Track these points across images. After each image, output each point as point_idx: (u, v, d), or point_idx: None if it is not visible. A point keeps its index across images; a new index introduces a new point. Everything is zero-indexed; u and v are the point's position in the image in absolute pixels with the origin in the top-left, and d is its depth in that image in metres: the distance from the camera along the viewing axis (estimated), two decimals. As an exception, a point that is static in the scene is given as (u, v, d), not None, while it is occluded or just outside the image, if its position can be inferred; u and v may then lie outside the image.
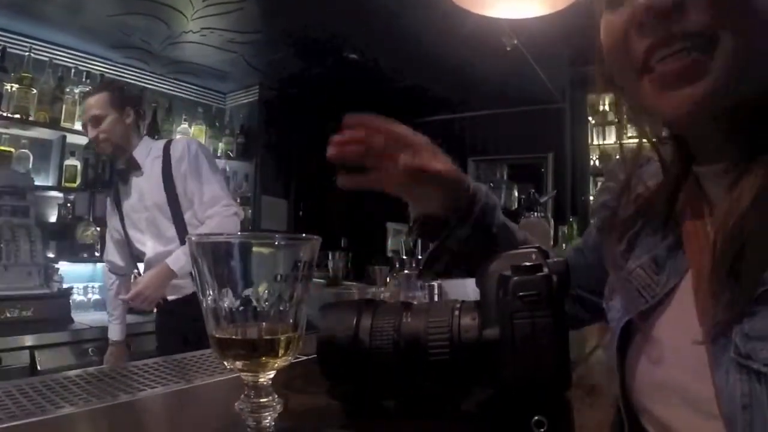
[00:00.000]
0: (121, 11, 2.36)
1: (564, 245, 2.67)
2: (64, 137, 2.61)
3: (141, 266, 1.95)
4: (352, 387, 0.46)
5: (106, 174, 2.05)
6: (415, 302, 0.48)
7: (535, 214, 3.04)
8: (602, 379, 0.74)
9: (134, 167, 1.82)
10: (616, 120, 3.17)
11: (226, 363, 0.37)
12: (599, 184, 3.24)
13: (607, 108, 3.35)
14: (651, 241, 0.47)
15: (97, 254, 2.66)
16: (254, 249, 0.37)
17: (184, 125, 3.19)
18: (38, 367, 1.98)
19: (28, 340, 2.00)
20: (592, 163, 3.33)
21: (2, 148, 2.42)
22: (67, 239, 2.59)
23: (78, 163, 2.64)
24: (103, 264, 2.77)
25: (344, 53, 2.90)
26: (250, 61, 3.03)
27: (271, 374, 0.37)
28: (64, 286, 2.41)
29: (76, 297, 2.58)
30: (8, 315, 2.04)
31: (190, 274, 1.61)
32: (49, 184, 2.63)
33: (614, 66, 0.42)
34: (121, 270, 1.98)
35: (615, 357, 0.46)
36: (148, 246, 1.82)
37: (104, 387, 0.61)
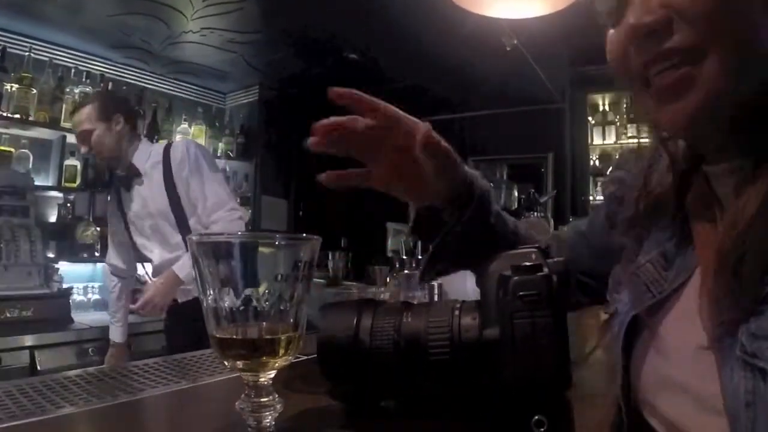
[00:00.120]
0: (121, 11, 2.36)
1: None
2: (64, 137, 2.61)
3: (143, 267, 1.96)
4: (352, 387, 0.46)
5: (107, 179, 2.00)
6: (415, 302, 0.48)
7: (535, 214, 3.05)
8: (602, 379, 0.74)
9: (135, 174, 1.80)
10: (625, 118, 3.18)
11: (226, 363, 0.37)
12: (599, 184, 3.24)
13: (607, 108, 3.36)
14: (660, 237, 0.47)
15: (97, 254, 2.67)
16: (254, 249, 0.37)
17: (184, 125, 3.19)
18: (38, 367, 1.98)
19: (28, 340, 2.00)
20: (591, 163, 3.33)
21: (2, 148, 2.42)
22: (67, 239, 2.59)
23: (78, 163, 2.64)
24: (103, 264, 2.78)
25: (344, 53, 2.90)
26: (250, 61, 3.03)
27: (272, 374, 0.37)
28: (64, 286, 2.42)
29: (76, 297, 2.58)
30: (8, 315, 2.05)
31: None
32: (49, 184, 2.63)
33: (620, 78, 0.43)
34: (124, 273, 1.97)
35: (620, 350, 0.46)
36: (155, 253, 1.82)
37: (104, 387, 0.61)
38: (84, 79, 2.68)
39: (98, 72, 2.82)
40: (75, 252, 2.60)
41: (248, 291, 0.36)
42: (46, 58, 2.59)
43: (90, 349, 2.15)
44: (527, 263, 0.39)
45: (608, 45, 0.43)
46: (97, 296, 2.74)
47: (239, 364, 0.36)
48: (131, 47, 2.76)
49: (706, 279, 0.40)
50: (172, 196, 1.75)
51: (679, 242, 0.45)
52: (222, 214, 1.73)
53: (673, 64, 0.37)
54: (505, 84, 3.33)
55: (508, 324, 0.38)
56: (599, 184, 3.24)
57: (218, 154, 3.32)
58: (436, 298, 1.29)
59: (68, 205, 2.66)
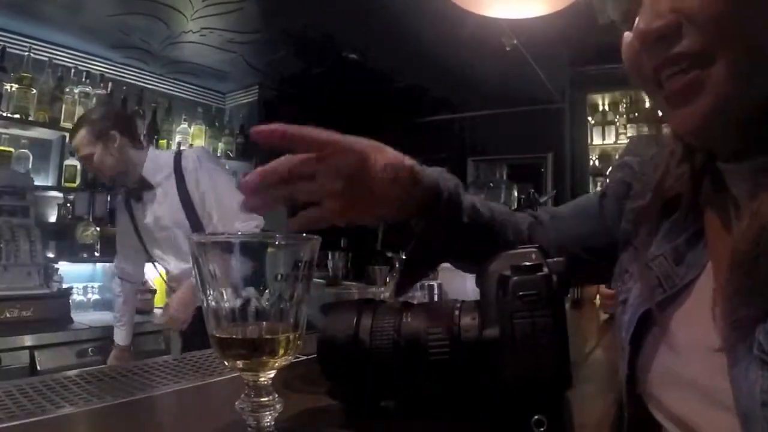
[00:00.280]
0: (121, 11, 2.36)
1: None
2: (64, 137, 2.60)
3: (147, 269, 1.94)
4: (352, 387, 0.46)
5: (115, 189, 1.95)
6: (415, 302, 0.48)
7: (535, 214, 3.03)
8: (602, 379, 0.74)
9: (146, 187, 1.76)
10: (625, 118, 3.16)
11: (226, 362, 0.37)
12: (599, 184, 3.24)
13: (606, 108, 3.36)
14: (672, 231, 0.47)
15: (96, 254, 2.67)
16: (254, 249, 0.37)
17: (184, 125, 3.19)
18: (38, 367, 1.98)
19: (28, 340, 2.00)
20: (591, 163, 3.33)
21: (2, 148, 2.42)
22: (66, 239, 2.59)
23: (78, 163, 2.64)
24: (103, 264, 2.78)
25: (344, 53, 2.90)
26: (250, 61, 3.03)
27: (272, 374, 0.37)
28: (64, 286, 2.42)
29: (76, 297, 2.58)
30: (8, 315, 2.04)
31: None
32: (49, 184, 2.63)
33: (634, 80, 0.44)
34: (132, 277, 1.96)
35: (627, 343, 0.46)
36: (172, 264, 1.81)
37: (104, 387, 0.61)
38: (84, 79, 2.68)
39: (98, 72, 2.82)
40: (75, 252, 2.60)
41: (248, 291, 0.36)
42: (46, 58, 2.59)
43: (90, 349, 2.15)
44: (527, 263, 0.39)
45: (623, 46, 0.43)
46: (96, 296, 2.74)
47: (239, 364, 0.36)
48: (131, 47, 2.76)
49: (718, 276, 0.40)
50: (188, 207, 1.72)
51: (691, 238, 0.45)
52: (239, 225, 1.69)
53: (683, 68, 0.38)
54: (505, 84, 3.33)
55: (508, 324, 0.38)
56: (599, 183, 3.24)
57: (218, 154, 3.32)
58: (436, 298, 1.29)
59: (68, 205, 2.66)
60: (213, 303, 0.36)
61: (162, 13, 2.40)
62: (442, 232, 0.52)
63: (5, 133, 2.46)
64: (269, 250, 0.37)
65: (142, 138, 1.97)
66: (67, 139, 1.87)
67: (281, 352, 0.36)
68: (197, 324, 1.75)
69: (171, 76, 3.20)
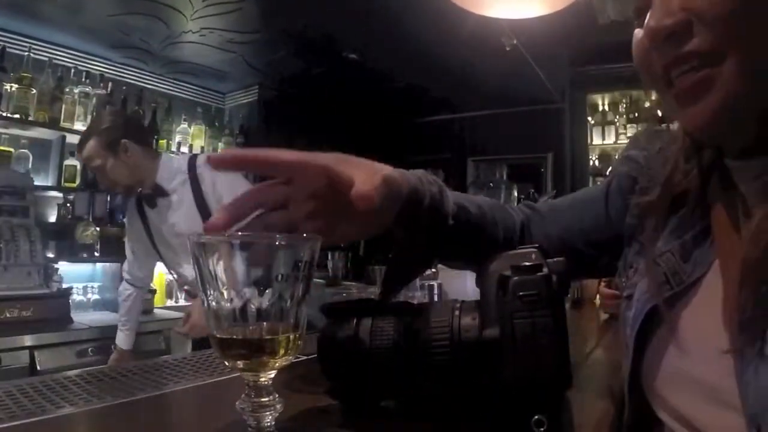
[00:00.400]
0: (121, 11, 2.36)
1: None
2: (64, 137, 2.61)
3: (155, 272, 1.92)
4: (352, 387, 0.46)
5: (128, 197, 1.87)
6: (415, 302, 0.48)
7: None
8: (602, 379, 0.74)
9: (161, 195, 1.72)
10: (625, 118, 3.14)
11: (227, 363, 0.37)
12: (599, 184, 3.24)
13: (606, 108, 3.36)
14: (680, 227, 0.47)
15: (96, 254, 2.67)
16: (255, 249, 0.37)
17: (184, 125, 3.19)
18: (38, 367, 1.98)
19: (28, 340, 2.00)
20: (591, 163, 3.33)
21: (2, 148, 2.42)
22: (66, 239, 2.59)
23: (77, 163, 2.64)
24: (103, 264, 2.78)
25: (344, 53, 2.90)
26: (250, 61, 3.03)
27: (272, 374, 0.37)
28: (64, 286, 2.42)
29: (76, 297, 2.58)
30: (8, 315, 2.05)
31: None
32: (49, 184, 2.64)
33: (644, 77, 0.43)
34: (141, 282, 1.95)
35: (633, 338, 0.46)
36: (188, 269, 1.78)
37: (104, 387, 0.61)
38: (84, 79, 2.68)
39: (98, 72, 2.82)
40: (75, 252, 2.60)
41: (248, 291, 0.36)
42: (46, 58, 2.60)
43: (90, 349, 2.15)
44: (527, 263, 0.39)
45: (633, 44, 0.43)
46: (96, 296, 2.74)
47: (240, 364, 0.36)
48: (131, 47, 2.76)
49: (726, 276, 0.40)
50: (204, 213, 1.68)
51: (698, 235, 0.45)
52: None
53: (693, 66, 0.37)
54: (505, 84, 3.34)
55: (508, 324, 0.38)
56: (599, 183, 3.24)
57: (218, 154, 3.32)
58: (436, 298, 1.29)
59: (68, 205, 2.66)
60: (213, 303, 0.36)
61: (162, 13, 2.40)
62: (424, 240, 0.50)
63: (5, 133, 2.46)
64: (269, 250, 0.37)
65: (154, 147, 1.92)
66: (77, 151, 1.79)
67: (281, 352, 0.36)
68: None
69: (171, 76, 3.20)
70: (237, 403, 0.37)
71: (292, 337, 0.37)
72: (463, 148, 4.12)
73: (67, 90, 2.61)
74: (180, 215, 1.69)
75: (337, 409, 0.48)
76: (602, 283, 1.41)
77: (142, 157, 1.71)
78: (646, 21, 0.40)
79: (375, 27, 2.56)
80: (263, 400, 0.36)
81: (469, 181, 4.03)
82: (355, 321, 0.45)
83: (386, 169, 0.46)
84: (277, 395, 0.37)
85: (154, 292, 2.74)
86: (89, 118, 2.67)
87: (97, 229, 2.66)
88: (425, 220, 0.48)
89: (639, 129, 3.08)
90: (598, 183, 0.65)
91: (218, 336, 0.36)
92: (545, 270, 0.39)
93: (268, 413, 0.36)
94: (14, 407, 0.53)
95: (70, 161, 2.63)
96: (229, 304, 0.36)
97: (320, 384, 0.47)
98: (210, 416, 0.56)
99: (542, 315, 0.37)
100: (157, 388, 0.61)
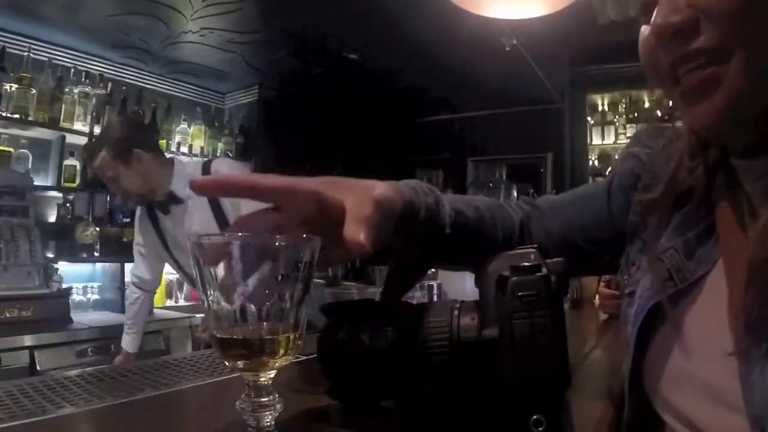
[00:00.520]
0: (121, 11, 2.36)
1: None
2: (64, 137, 2.61)
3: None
4: (352, 387, 0.46)
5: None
6: (415, 302, 0.49)
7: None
8: (602, 379, 0.74)
9: (175, 202, 1.69)
10: (624, 118, 3.13)
11: (227, 363, 0.37)
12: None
13: (606, 108, 3.36)
14: (683, 224, 0.46)
15: (96, 254, 2.67)
16: (254, 249, 0.37)
17: (183, 125, 3.19)
18: (38, 367, 1.98)
19: (28, 341, 2.00)
20: (591, 163, 3.33)
21: (1, 148, 2.43)
22: (66, 239, 2.59)
23: (77, 163, 2.65)
24: (103, 264, 2.78)
25: (344, 53, 2.90)
26: (250, 61, 3.03)
27: (272, 374, 0.37)
28: (64, 286, 2.42)
29: (76, 297, 2.59)
30: (8, 315, 2.05)
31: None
32: (49, 184, 2.64)
33: (650, 75, 0.43)
34: (149, 285, 1.93)
35: (634, 336, 0.45)
36: None
37: (104, 387, 0.62)
38: (83, 79, 2.68)
39: (97, 72, 2.82)
40: (74, 252, 2.60)
41: (248, 291, 0.36)
42: (46, 58, 2.60)
43: (90, 349, 2.15)
44: (526, 263, 0.39)
45: (640, 41, 0.43)
46: (96, 296, 2.74)
47: (240, 364, 0.36)
48: (130, 47, 2.76)
49: (731, 275, 0.40)
50: (220, 219, 1.65)
51: (702, 233, 0.44)
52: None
53: (700, 64, 0.37)
54: (505, 84, 3.34)
55: (507, 324, 0.38)
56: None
57: (217, 154, 3.33)
58: (435, 298, 1.29)
59: (68, 205, 2.66)
60: (213, 303, 0.36)
61: (162, 13, 2.40)
62: (421, 251, 0.49)
63: (5, 133, 2.47)
64: (269, 250, 0.37)
65: (166, 154, 1.86)
66: (87, 161, 1.77)
67: (281, 352, 0.36)
68: None
69: (170, 76, 3.20)
70: (237, 403, 0.37)
71: (292, 337, 0.37)
72: (463, 148, 4.12)
73: (67, 90, 2.61)
74: (195, 221, 1.67)
75: (337, 409, 0.48)
76: (602, 284, 1.41)
77: (154, 166, 1.69)
78: (652, 18, 0.40)
79: (375, 27, 2.56)
80: (263, 400, 0.37)
81: (468, 181, 4.04)
82: (354, 321, 0.45)
83: (378, 188, 0.43)
84: (277, 395, 0.37)
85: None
86: (89, 118, 2.67)
87: (97, 229, 2.66)
88: (422, 233, 0.48)
89: (639, 128, 3.08)
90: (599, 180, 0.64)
91: (218, 336, 0.36)
92: (544, 270, 0.39)
93: (268, 413, 0.36)
94: (14, 407, 0.53)
95: (69, 161, 2.63)
96: (229, 304, 0.36)
97: (320, 384, 0.47)
98: (210, 416, 0.56)
99: (541, 315, 0.37)
100: (157, 388, 0.61)
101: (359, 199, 0.41)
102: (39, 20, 2.44)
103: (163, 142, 3.02)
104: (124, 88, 2.91)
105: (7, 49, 2.47)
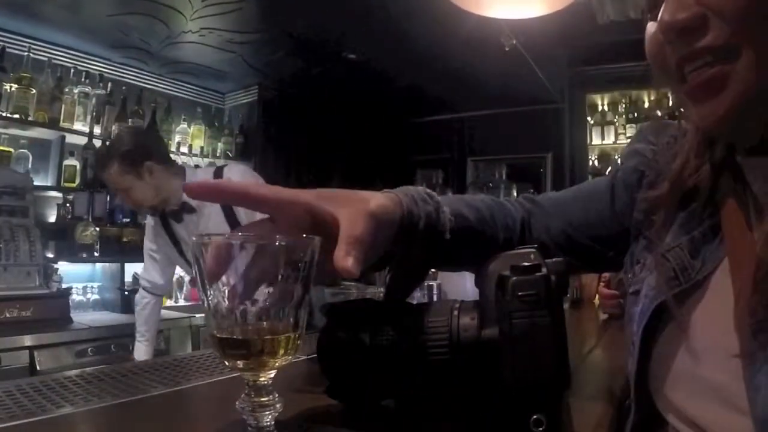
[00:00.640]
0: (121, 11, 2.36)
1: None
2: (63, 137, 2.61)
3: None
4: (352, 387, 0.46)
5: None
6: (415, 302, 0.49)
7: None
8: (602, 379, 0.74)
9: (189, 211, 1.67)
10: (624, 118, 3.11)
11: (226, 362, 0.37)
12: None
13: (606, 108, 3.36)
14: (689, 223, 0.46)
15: (96, 254, 2.67)
16: (254, 249, 0.37)
17: (183, 125, 3.19)
18: (37, 368, 1.98)
19: (28, 341, 2.00)
20: (590, 163, 3.33)
21: (1, 148, 2.42)
22: (66, 239, 2.59)
23: (77, 163, 2.65)
24: (103, 264, 2.78)
25: (344, 53, 2.90)
26: (249, 61, 3.03)
27: (272, 374, 0.37)
28: (64, 286, 2.42)
29: (76, 297, 2.59)
30: (7, 315, 2.04)
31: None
32: (48, 184, 2.64)
33: (656, 72, 0.43)
34: (161, 289, 1.92)
35: (639, 335, 0.45)
36: None
37: (104, 387, 0.62)
38: (83, 79, 2.68)
39: (97, 72, 2.82)
40: (74, 252, 2.60)
41: (248, 291, 0.36)
42: (45, 58, 2.59)
43: (89, 349, 2.15)
44: (526, 263, 0.39)
45: (646, 38, 0.42)
46: (96, 296, 2.74)
47: (239, 363, 0.36)
48: (130, 47, 2.76)
49: (736, 276, 0.40)
50: (234, 225, 1.63)
51: (707, 231, 0.44)
52: None
53: (707, 62, 0.37)
54: (505, 84, 3.34)
55: (507, 324, 0.38)
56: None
57: (217, 154, 3.33)
58: (435, 298, 1.29)
59: (67, 205, 2.66)
60: (213, 303, 0.36)
61: (161, 13, 2.40)
62: (421, 258, 0.49)
63: (4, 133, 2.46)
64: (269, 250, 0.37)
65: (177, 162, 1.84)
66: (98, 172, 1.76)
67: (281, 352, 0.36)
68: None
69: (170, 76, 3.20)
70: (237, 402, 0.37)
71: (292, 337, 0.37)
72: (463, 148, 4.12)
73: (67, 90, 2.61)
74: (210, 228, 1.65)
75: (337, 409, 0.48)
76: (601, 283, 1.41)
77: (166, 177, 1.67)
78: (659, 14, 0.39)
79: (375, 27, 2.56)
80: (263, 399, 0.37)
81: (468, 181, 4.04)
82: (354, 321, 0.45)
83: (375, 200, 0.43)
84: (276, 395, 0.37)
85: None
86: (89, 118, 2.67)
87: (97, 229, 2.66)
88: (421, 242, 0.47)
89: (642, 124, 3.07)
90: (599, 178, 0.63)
91: (218, 336, 0.36)
92: (544, 270, 0.39)
93: (267, 413, 0.36)
94: (14, 407, 0.53)
95: (69, 161, 2.63)
96: (228, 304, 0.36)
97: (320, 384, 0.47)
98: (210, 416, 0.56)
99: (541, 315, 0.37)
100: (157, 388, 0.61)
101: (352, 214, 0.40)
102: (39, 20, 2.44)
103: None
104: (124, 88, 2.91)
105: (7, 49, 2.47)
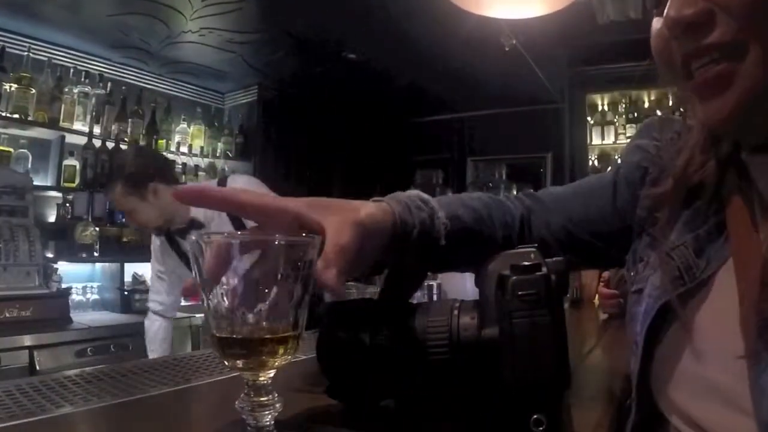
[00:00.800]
0: (121, 11, 2.36)
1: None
2: (63, 137, 2.61)
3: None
4: (351, 387, 0.46)
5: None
6: (415, 302, 0.48)
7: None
8: (602, 379, 0.74)
9: (197, 227, 1.65)
10: (624, 118, 3.10)
11: (226, 362, 0.37)
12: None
13: (606, 108, 3.36)
14: (694, 220, 0.45)
15: (96, 254, 2.67)
16: (254, 249, 0.37)
17: (183, 125, 3.19)
18: (37, 367, 1.98)
19: (27, 340, 2.00)
20: (590, 163, 3.33)
21: (1, 148, 2.42)
22: (66, 239, 2.59)
23: (77, 163, 2.65)
24: (102, 264, 2.78)
25: (344, 53, 2.90)
26: (249, 61, 3.03)
27: (271, 373, 0.37)
28: (63, 286, 2.42)
29: (75, 297, 2.59)
30: (7, 315, 2.04)
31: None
32: (48, 184, 2.64)
33: (662, 69, 0.42)
34: (170, 311, 1.88)
35: (643, 335, 0.45)
36: None
37: (104, 387, 0.61)
38: (83, 79, 2.68)
39: (97, 72, 2.82)
40: (74, 252, 2.60)
41: (248, 291, 0.36)
42: (45, 58, 2.59)
43: (89, 349, 2.15)
44: (526, 263, 0.39)
45: (652, 34, 0.42)
46: (96, 296, 2.74)
47: (239, 363, 0.36)
48: (130, 47, 2.76)
49: (741, 275, 0.39)
50: None
51: (712, 230, 0.43)
52: None
53: (713, 59, 0.37)
54: (505, 84, 3.34)
55: (507, 323, 0.38)
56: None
57: (217, 154, 3.33)
58: (435, 297, 1.29)
59: (67, 205, 2.66)
60: (213, 303, 0.36)
61: (161, 13, 2.40)
62: (417, 265, 0.49)
63: (4, 133, 2.46)
64: (269, 250, 0.37)
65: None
66: (104, 193, 1.75)
67: (281, 351, 0.36)
68: None
69: (170, 76, 3.20)
70: (237, 402, 0.37)
71: (291, 336, 0.37)
72: (463, 148, 4.12)
73: (67, 90, 2.61)
74: None
75: (337, 409, 0.48)
76: (601, 283, 1.41)
77: (166, 196, 1.65)
78: (665, 10, 0.39)
79: (375, 27, 2.56)
80: (263, 399, 0.37)
81: (468, 181, 4.04)
82: (354, 321, 0.45)
83: (364, 209, 0.42)
84: (276, 395, 0.37)
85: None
86: (89, 118, 2.67)
87: (97, 229, 2.66)
88: (416, 249, 0.47)
89: (646, 120, 3.06)
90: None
91: (218, 336, 0.36)
92: (544, 269, 0.39)
93: (267, 413, 0.36)
94: (14, 407, 0.53)
95: (69, 161, 2.63)
96: (228, 304, 0.36)
97: (320, 384, 0.47)
98: (210, 416, 0.56)
99: (541, 314, 0.37)
100: (156, 388, 0.61)
101: (339, 223, 0.40)
102: (39, 20, 2.44)
103: (162, 142, 3.02)
104: (123, 88, 2.91)
105: (7, 49, 2.47)
